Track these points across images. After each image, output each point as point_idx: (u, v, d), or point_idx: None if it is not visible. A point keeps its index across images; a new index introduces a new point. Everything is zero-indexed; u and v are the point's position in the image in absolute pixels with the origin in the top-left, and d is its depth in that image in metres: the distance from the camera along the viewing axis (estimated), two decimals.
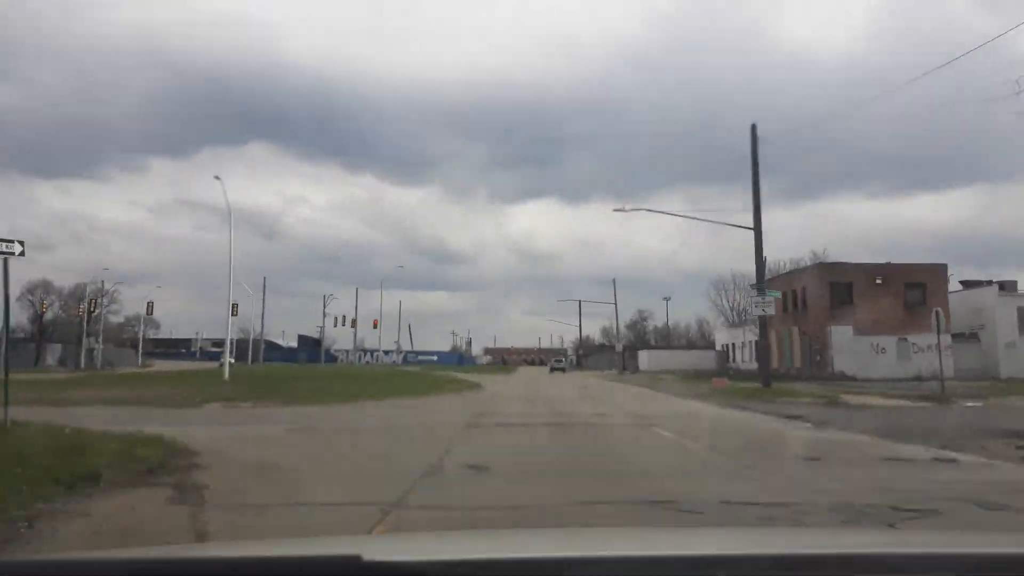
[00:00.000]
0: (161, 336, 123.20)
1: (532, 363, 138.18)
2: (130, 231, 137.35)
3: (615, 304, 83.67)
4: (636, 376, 62.53)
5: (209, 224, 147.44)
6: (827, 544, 2.46)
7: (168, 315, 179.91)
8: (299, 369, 69.08)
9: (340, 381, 37.41)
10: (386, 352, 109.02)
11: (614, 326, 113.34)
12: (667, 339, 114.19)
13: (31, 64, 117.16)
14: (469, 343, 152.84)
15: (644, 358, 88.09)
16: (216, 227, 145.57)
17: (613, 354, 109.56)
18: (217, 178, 41.06)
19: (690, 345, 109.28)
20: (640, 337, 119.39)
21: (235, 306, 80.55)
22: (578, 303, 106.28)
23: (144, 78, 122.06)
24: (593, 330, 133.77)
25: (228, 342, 42.98)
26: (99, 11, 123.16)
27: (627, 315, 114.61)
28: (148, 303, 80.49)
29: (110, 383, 35.76)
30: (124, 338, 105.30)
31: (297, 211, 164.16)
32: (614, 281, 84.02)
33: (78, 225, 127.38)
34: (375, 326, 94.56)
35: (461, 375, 52.31)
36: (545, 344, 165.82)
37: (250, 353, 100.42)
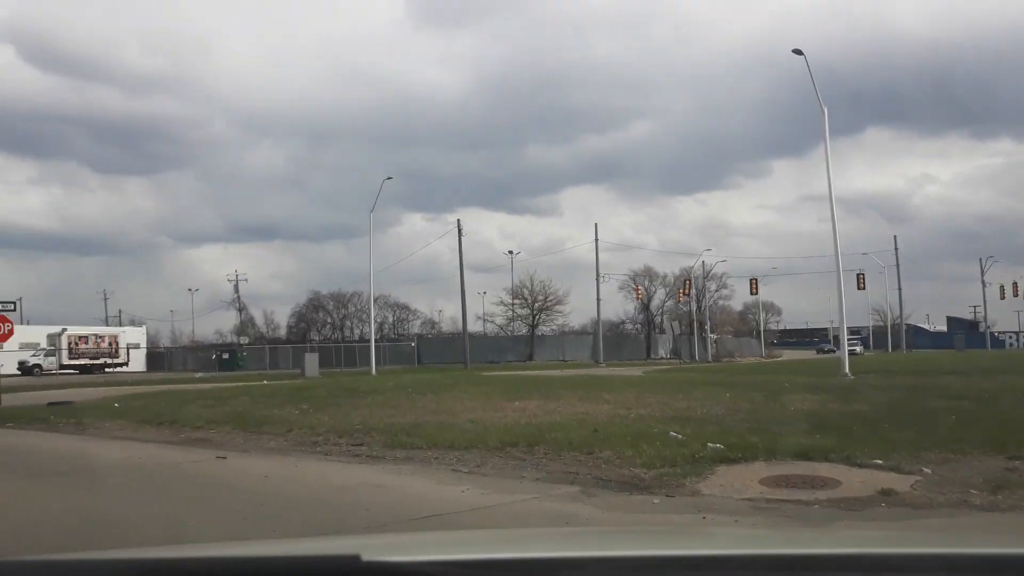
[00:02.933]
0: (790, 326, 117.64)
1: None
2: (759, 231, 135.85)
3: None
4: None
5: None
6: (827, 544, 2.27)
7: (804, 306, 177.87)
8: (957, 358, 47.94)
9: None
10: None
11: None
12: None
13: (663, 96, 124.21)
14: None
15: None
16: (840, 217, 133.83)
17: None
18: None
19: None
20: None
21: (861, 276, 63.28)
22: None
23: (755, 85, 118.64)
24: None
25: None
26: (710, 31, 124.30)
27: None
28: (751, 280, 66.76)
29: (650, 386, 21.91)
30: (746, 328, 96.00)
31: (923, 190, 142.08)
32: None
33: (716, 231, 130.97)
34: None
35: None
36: None
37: (889, 339, 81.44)
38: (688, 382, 21.10)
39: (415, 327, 79.08)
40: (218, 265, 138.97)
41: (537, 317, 66.72)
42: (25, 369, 49.11)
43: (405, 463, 8.89)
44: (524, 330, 67.94)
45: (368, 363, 43.91)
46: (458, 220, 52.00)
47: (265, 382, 30.95)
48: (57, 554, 2.42)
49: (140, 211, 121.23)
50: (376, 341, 46.94)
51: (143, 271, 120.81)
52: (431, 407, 15.01)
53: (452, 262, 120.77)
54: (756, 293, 69.49)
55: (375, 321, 48.51)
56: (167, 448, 11.10)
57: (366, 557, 1.62)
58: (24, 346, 53.59)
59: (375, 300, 48.96)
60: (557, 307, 67.67)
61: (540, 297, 66.53)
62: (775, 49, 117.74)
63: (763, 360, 65.70)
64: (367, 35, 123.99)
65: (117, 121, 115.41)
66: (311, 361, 40.20)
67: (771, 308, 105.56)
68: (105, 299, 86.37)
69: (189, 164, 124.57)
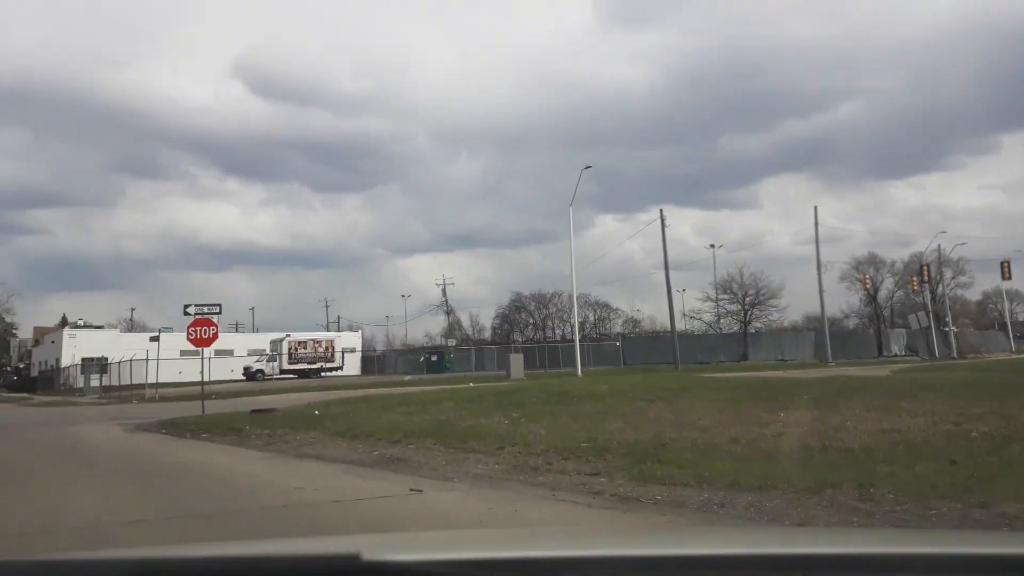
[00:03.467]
0: None
1: None
2: (983, 214, 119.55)
3: None
4: None
5: None
6: (827, 544, 2.24)
7: None
8: None
9: None
10: None
11: None
12: None
13: (870, 74, 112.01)
14: None
15: None
16: None
17: None
18: None
19: None
20: None
21: None
22: None
23: (973, 54, 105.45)
24: None
25: None
26: (913, 2, 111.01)
27: None
28: (1003, 264, 57.21)
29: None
30: (985, 320, 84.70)
31: None
32: None
33: (932, 216, 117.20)
34: None
35: None
36: None
37: None
38: (983, 385, 16.50)
39: (616, 326, 75.87)
40: (427, 273, 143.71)
41: (749, 313, 61.28)
42: (249, 375, 51.14)
43: (674, 511, 5.92)
44: (735, 327, 62.80)
45: (571, 363, 41.85)
46: (660, 210, 48.20)
47: (471, 384, 29.36)
48: (57, 554, 2.44)
49: (356, 225, 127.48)
50: (579, 341, 44.44)
51: (361, 281, 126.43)
52: (667, 418, 11.98)
53: (645, 261, 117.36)
54: (1009, 278, 59.78)
55: (577, 320, 45.98)
56: (353, 472, 8.86)
57: (366, 556, 1.57)
58: (252, 352, 56.46)
59: (576, 298, 46.49)
60: (771, 301, 61.85)
61: (751, 291, 61.08)
62: (992, 13, 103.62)
63: (1015, 356, 56.54)
64: (556, 42, 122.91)
65: (331, 142, 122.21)
66: (516, 362, 38.33)
67: (1015, 296, 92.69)
68: (326, 306, 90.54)
69: (395, 179, 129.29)
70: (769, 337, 61.05)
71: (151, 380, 33.80)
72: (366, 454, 10.30)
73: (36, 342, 72.89)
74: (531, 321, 75.39)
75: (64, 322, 73.11)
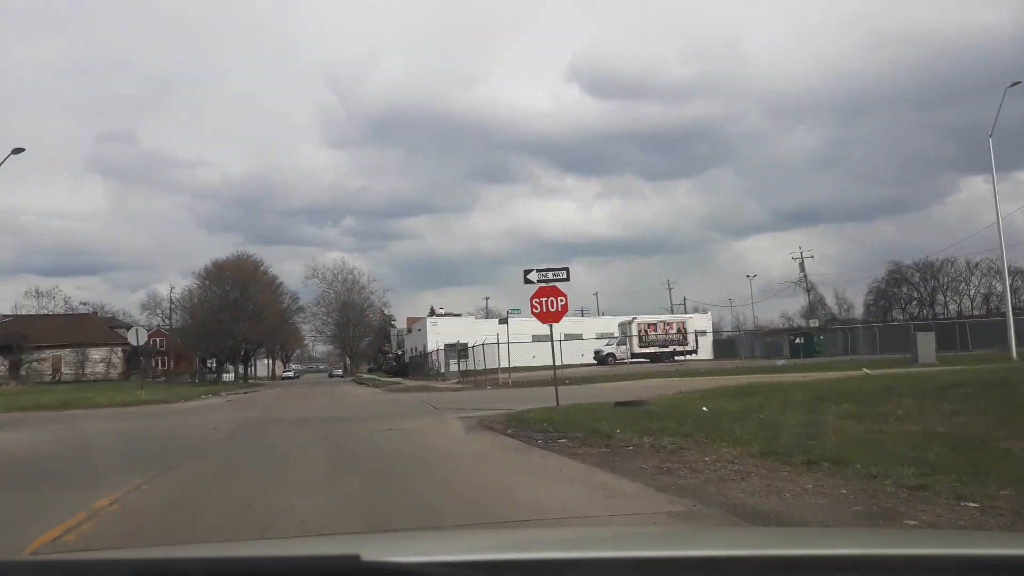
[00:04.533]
0: None
1: None
2: None
3: None
4: None
5: None
6: (827, 544, 2.11)
7: None
8: None
9: None
10: None
11: None
12: None
13: None
14: None
15: None
16: None
17: None
18: None
19: None
20: None
21: None
22: None
23: None
24: None
25: None
26: None
27: None
28: None
29: None
30: None
31: None
32: None
33: None
34: None
35: None
36: None
37: None
38: None
39: None
40: (766, 254, 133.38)
41: None
42: (600, 358, 48.25)
43: None
44: None
45: (984, 344, 34.64)
46: None
47: (864, 370, 22.71)
48: (57, 554, 2.39)
49: (688, 210, 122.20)
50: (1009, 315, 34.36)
51: (697, 265, 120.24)
52: None
53: None
54: None
55: (1009, 286, 35.31)
56: None
57: (366, 557, 1.53)
58: (600, 335, 53.77)
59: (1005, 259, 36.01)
60: None
61: None
62: None
63: None
64: None
65: (661, 131, 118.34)
66: (925, 342, 29.95)
67: None
68: (669, 289, 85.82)
69: (728, 160, 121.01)
70: None
71: (503, 364, 31.65)
72: (880, 512, 4.89)
73: (408, 331, 78.21)
74: (915, 295, 63.19)
75: (432, 312, 77.38)
